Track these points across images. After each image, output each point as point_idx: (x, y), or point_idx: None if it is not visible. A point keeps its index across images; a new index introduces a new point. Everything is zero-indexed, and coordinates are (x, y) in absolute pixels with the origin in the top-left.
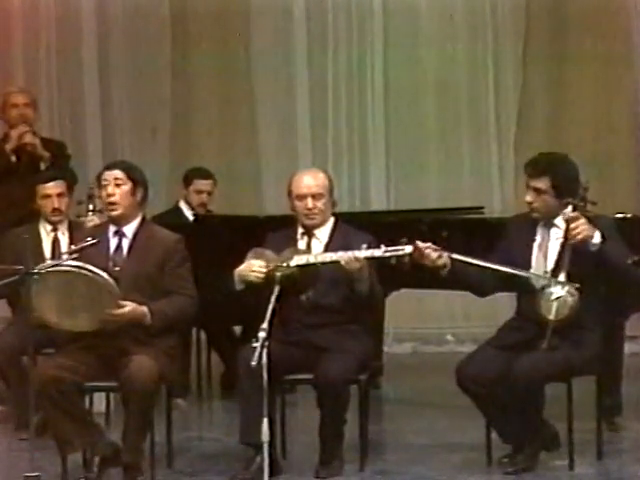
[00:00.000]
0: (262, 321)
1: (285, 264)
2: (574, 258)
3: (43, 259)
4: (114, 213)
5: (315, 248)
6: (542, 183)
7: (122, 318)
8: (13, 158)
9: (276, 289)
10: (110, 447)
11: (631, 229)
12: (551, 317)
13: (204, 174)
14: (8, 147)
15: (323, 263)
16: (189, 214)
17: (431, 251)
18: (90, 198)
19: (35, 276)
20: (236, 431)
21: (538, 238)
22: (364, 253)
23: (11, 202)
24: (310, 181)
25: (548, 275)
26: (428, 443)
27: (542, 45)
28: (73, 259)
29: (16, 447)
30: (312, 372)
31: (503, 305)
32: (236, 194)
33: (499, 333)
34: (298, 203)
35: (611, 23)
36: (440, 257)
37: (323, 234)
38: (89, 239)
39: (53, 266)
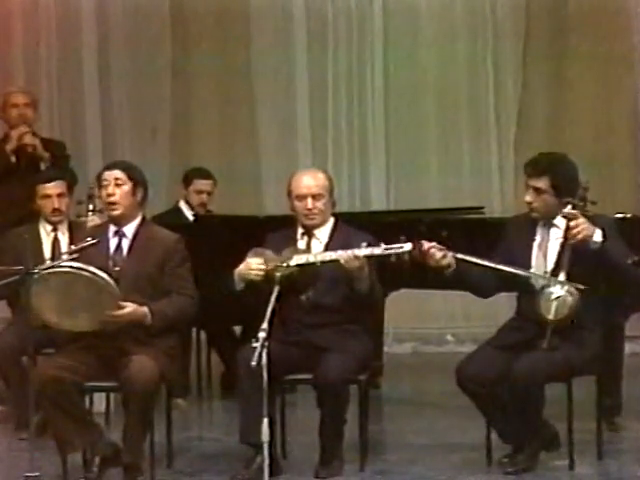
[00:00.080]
0: (262, 321)
1: (285, 264)
2: (574, 258)
3: (43, 259)
4: (114, 213)
5: (315, 248)
6: (542, 183)
7: (122, 319)
8: (13, 158)
9: (276, 289)
10: (110, 447)
11: (631, 229)
12: (551, 317)
13: (204, 174)
14: (8, 147)
15: (323, 262)
16: (189, 214)
17: (436, 251)
18: (90, 198)
19: (35, 276)
20: (236, 431)
21: (538, 238)
22: (364, 251)
23: (11, 202)
24: (310, 181)
25: (548, 275)
26: (428, 443)
27: (542, 45)
28: (73, 259)
29: (16, 447)
30: (312, 372)
31: (503, 305)
32: (236, 194)
33: (499, 333)
34: (298, 203)
35: (611, 23)
36: (445, 257)
37: (323, 234)
38: (89, 239)
39: (53, 267)
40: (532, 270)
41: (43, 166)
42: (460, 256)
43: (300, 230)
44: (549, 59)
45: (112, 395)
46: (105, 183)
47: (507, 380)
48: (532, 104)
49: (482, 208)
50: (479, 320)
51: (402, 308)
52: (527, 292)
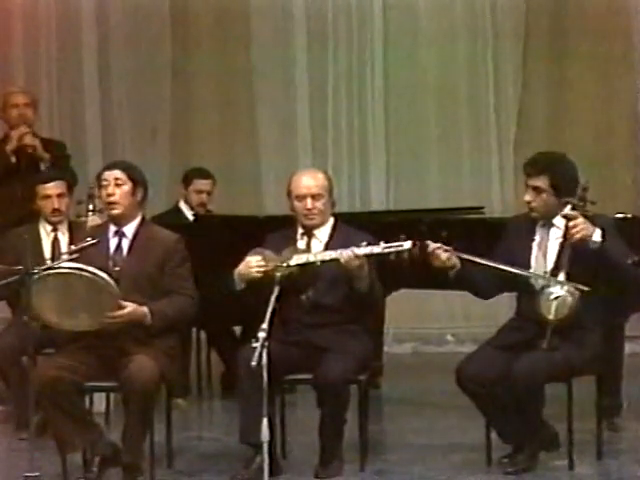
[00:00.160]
0: (262, 321)
1: (285, 264)
2: (574, 258)
3: (43, 259)
4: (114, 213)
5: (315, 248)
6: (541, 182)
7: (122, 319)
8: (13, 159)
9: (276, 289)
10: (110, 447)
11: (631, 229)
12: (551, 317)
13: (204, 174)
14: (8, 148)
15: (323, 261)
16: (189, 214)
17: (441, 251)
18: (90, 198)
19: (35, 276)
20: (236, 431)
21: (537, 238)
22: (363, 250)
23: (11, 202)
24: (309, 181)
25: (548, 275)
26: (428, 443)
27: (542, 45)
28: (73, 259)
29: (16, 447)
30: (312, 372)
31: (503, 305)
32: (236, 194)
33: (499, 333)
34: (297, 203)
35: (611, 23)
36: (450, 258)
37: (323, 234)
38: (89, 239)
39: (53, 267)
40: (532, 270)
41: (43, 166)
42: (464, 256)
43: (300, 230)
44: (549, 59)
45: (112, 395)
46: (105, 183)
47: (507, 380)
48: (532, 104)
49: (482, 208)
50: (479, 320)
51: (402, 308)
52: (527, 292)
